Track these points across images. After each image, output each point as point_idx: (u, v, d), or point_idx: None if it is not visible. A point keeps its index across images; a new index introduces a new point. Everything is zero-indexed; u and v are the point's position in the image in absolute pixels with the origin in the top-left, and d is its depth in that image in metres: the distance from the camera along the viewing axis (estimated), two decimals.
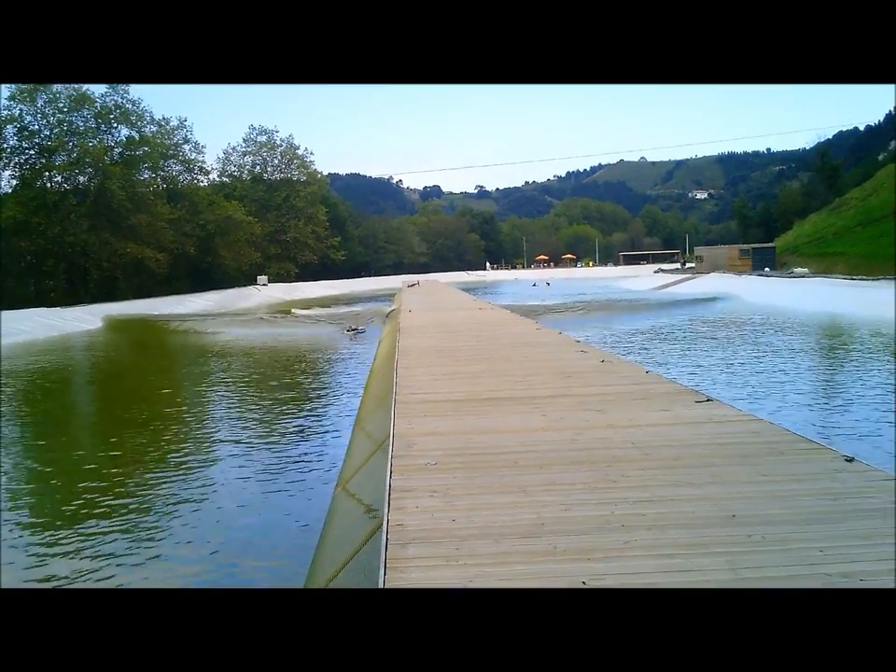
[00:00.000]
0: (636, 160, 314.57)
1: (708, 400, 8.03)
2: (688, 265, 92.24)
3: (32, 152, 65.24)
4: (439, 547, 4.17)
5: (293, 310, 48.04)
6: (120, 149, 70.40)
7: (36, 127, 65.06)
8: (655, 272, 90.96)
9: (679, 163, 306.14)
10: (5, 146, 63.87)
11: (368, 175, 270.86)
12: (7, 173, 65.34)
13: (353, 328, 31.36)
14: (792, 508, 4.62)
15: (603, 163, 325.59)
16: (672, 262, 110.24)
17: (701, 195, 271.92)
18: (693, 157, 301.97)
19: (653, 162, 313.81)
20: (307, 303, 56.91)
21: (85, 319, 48.02)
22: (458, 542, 4.23)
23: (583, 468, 5.65)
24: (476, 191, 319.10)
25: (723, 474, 5.39)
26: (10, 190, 65.47)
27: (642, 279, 78.94)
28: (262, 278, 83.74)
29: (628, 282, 76.79)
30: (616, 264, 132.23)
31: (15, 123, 63.65)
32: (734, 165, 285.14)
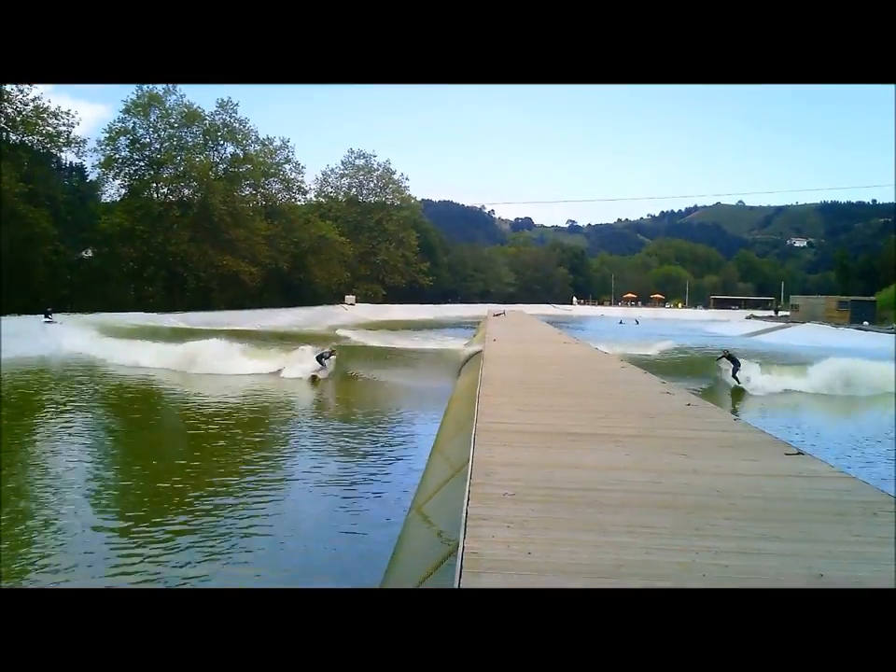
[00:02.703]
0: (733, 203, 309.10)
1: (799, 454, 7.75)
2: (782, 313, 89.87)
3: (142, 164, 68.28)
4: (513, 580, 4.10)
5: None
6: (225, 166, 73.00)
7: (148, 140, 68.03)
8: (747, 317, 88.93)
9: (778, 209, 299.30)
10: (117, 156, 67.00)
11: (460, 203, 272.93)
12: (117, 182, 68.59)
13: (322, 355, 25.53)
14: (884, 572, 4.40)
15: (699, 205, 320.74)
16: (765, 309, 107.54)
17: (800, 243, 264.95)
18: (794, 203, 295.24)
19: (751, 207, 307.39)
20: (393, 325, 57.36)
21: (179, 326, 49.54)
22: (534, 576, 4.15)
23: (666, 512, 5.50)
24: (567, 225, 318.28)
25: (812, 531, 5.16)
26: (119, 199, 68.30)
27: (733, 324, 77.17)
28: (350, 298, 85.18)
29: (718, 326, 75.10)
30: (706, 307, 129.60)
31: (128, 135, 66.73)
32: (835, 215, 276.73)
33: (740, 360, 24.08)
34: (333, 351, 26.01)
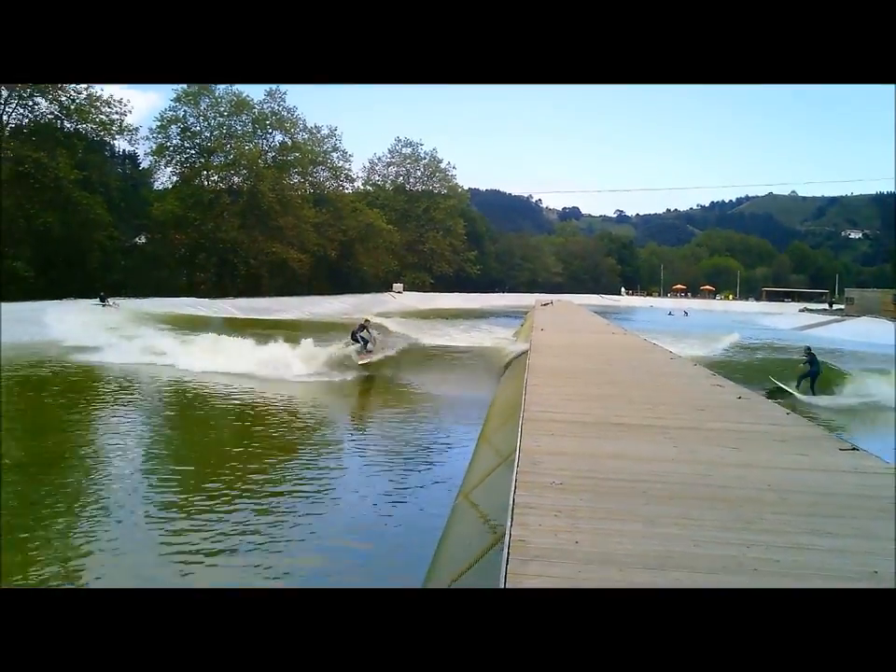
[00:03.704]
0: (786, 193, 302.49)
1: (854, 449, 7.60)
2: (836, 306, 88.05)
3: (192, 152, 69.31)
4: (560, 567, 4.11)
5: None
6: (274, 154, 73.75)
7: (198, 128, 69.06)
8: (800, 310, 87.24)
9: (832, 200, 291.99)
10: (168, 144, 68.09)
11: (507, 193, 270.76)
12: (169, 169, 69.73)
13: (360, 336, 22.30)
14: None
15: (751, 195, 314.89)
16: (819, 302, 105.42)
17: (855, 235, 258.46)
18: (848, 194, 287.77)
19: (804, 197, 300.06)
20: (441, 314, 57.43)
21: (227, 311, 50.28)
22: (581, 565, 4.16)
23: (716, 504, 5.45)
24: (615, 215, 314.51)
25: (866, 528, 5.07)
26: (171, 186, 69.40)
27: (785, 317, 75.78)
28: (398, 286, 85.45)
29: (770, 319, 73.82)
30: (758, 299, 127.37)
31: (179, 124, 67.81)
32: (891, 206, 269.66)
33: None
34: (367, 321, 22.98)
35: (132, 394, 18.23)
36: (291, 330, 32.35)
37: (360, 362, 21.19)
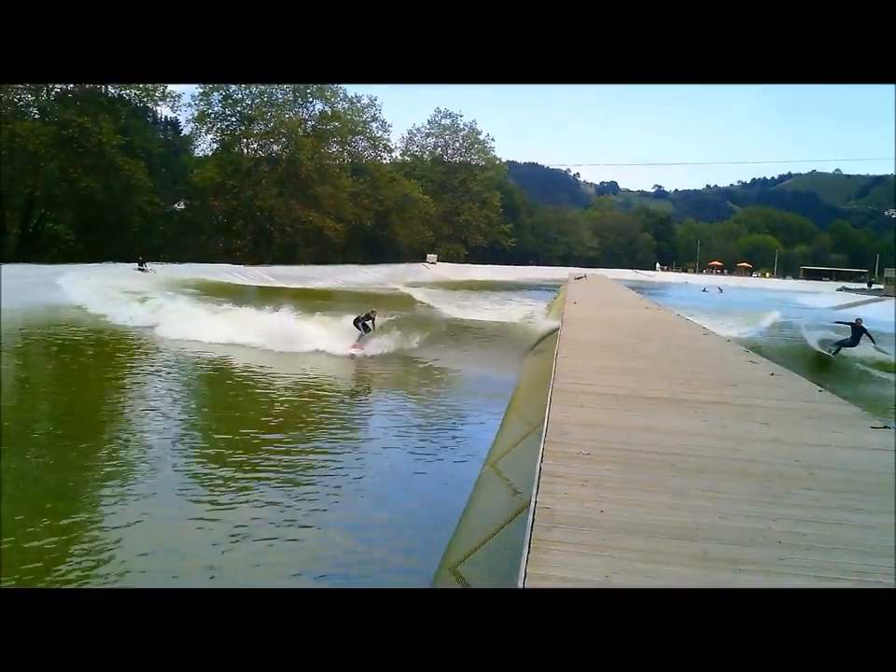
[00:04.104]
0: (830, 171, 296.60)
1: (885, 427, 7.51)
2: (875, 286, 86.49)
3: (233, 119, 69.52)
4: (585, 535, 4.13)
5: None
6: (313, 122, 73.75)
7: (239, 96, 69.13)
8: (838, 289, 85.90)
9: (877, 179, 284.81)
10: (210, 111, 68.35)
11: (545, 166, 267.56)
12: (209, 136, 70.05)
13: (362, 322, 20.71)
14: None
15: (793, 172, 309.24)
16: (858, 282, 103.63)
17: None
18: (894, 173, 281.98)
19: (849, 176, 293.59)
20: (474, 286, 57.32)
21: (262, 278, 50.56)
22: (606, 534, 4.17)
23: (745, 479, 5.42)
24: (654, 190, 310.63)
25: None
26: (211, 153, 69.79)
27: (822, 296, 74.66)
28: (432, 256, 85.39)
29: (805, 298, 72.71)
30: (795, 278, 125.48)
31: (221, 91, 67.87)
32: None
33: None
34: (374, 312, 21.16)
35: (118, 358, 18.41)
36: (320, 300, 32.12)
37: (349, 351, 19.81)
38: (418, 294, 39.33)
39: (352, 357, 19.39)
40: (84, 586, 6.10)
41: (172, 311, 24.35)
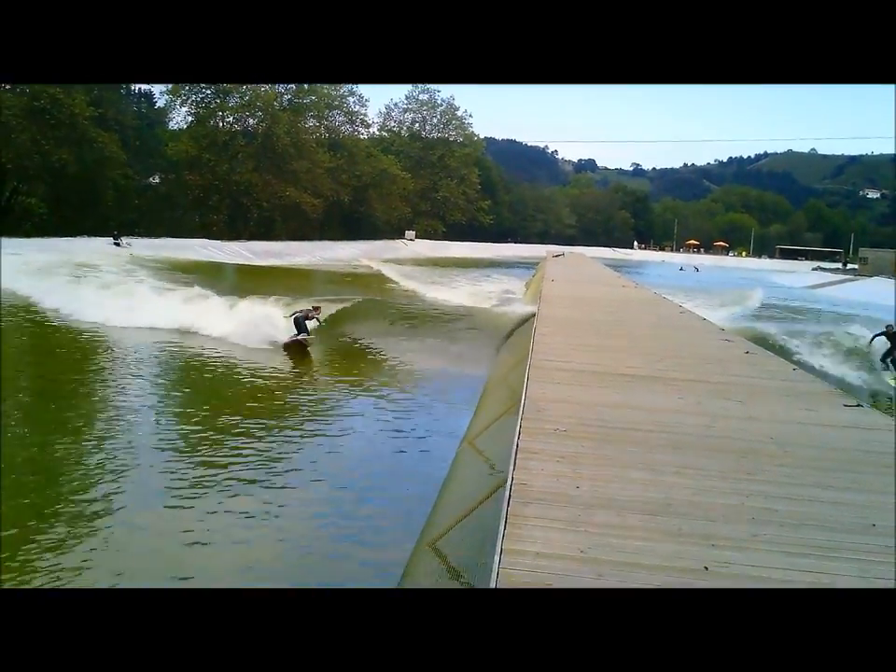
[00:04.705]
0: (805, 150, 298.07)
1: (858, 405, 7.62)
2: (850, 266, 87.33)
3: (208, 92, 68.54)
4: (560, 510, 4.17)
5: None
6: (289, 96, 72.97)
7: None
8: (813, 269, 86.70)
9: (852, 159, 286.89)
10: (184, 84, 67.16)
11: (523, 143, 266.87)
12: (184, 109, 69.04)
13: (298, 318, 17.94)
14: None
15: (769, 151, 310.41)
16: (833, 262, 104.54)
17: (873, 194, 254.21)
18: (869, 153, 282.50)
19: (824, 155, 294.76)
20: (451, 262, 57.17)
21: (240, 254, 50.12)
22: (581, 510, 4.21)
23: (718, 455, 5.49)
24: (632, 169, 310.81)
25: (867, 482, 5.11)
26: (186, 126, 68.89)
27: (798, 275, 75.30)
28: (410, 233, 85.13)
29: (781, 277, 73.31)
30: (771, 257, 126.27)
31: None
32: None
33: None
34: (316, 309, 18.54)
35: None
36: (282, 279, 30.97)
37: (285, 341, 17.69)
38: (391, 272, 38.36)
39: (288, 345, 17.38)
40: (84, 586, 6.07)
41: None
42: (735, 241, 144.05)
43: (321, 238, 68.03)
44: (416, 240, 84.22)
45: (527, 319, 16.32)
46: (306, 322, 17.78)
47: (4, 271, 24.82)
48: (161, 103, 71.25)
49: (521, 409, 6.50)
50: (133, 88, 67.84)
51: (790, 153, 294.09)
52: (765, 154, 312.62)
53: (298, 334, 17.55)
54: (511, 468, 4.89)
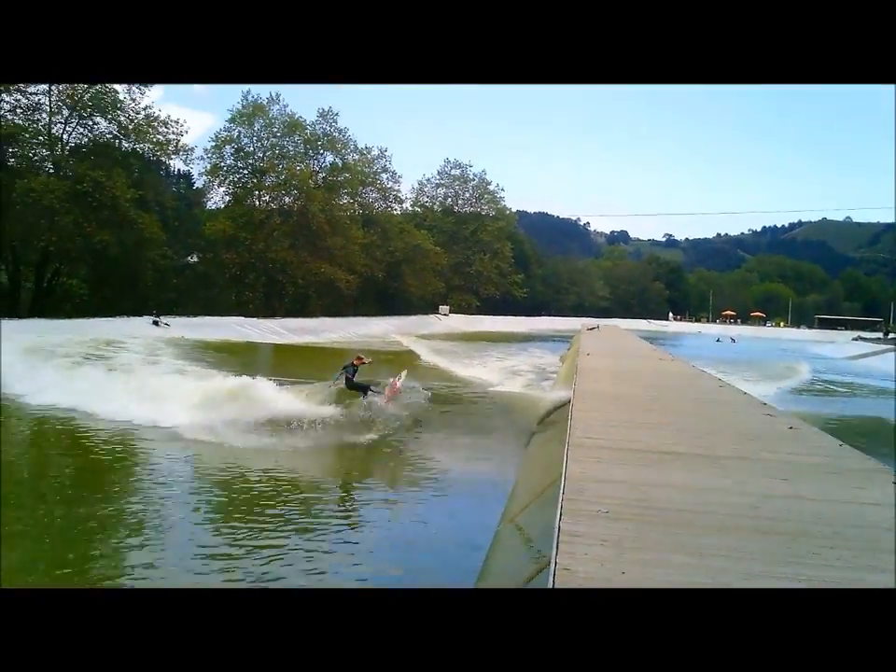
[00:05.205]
0: (840, 219, 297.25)
1: None
2: (892, 335, 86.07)
3: (245, 172, 70.47)
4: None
5: None
6: (324, 174, 74.70)
7: (252, 149, 70.21)
8: (854, 339, 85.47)
9: (887, 226, 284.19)
10: (222, 164, 69.34)
11: (555, 216, 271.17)
12: (221, 189, 70.99)
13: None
14: None
15: (804, 220, 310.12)
16: (874, 331, 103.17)
17: None
18: None
19: (860, 223, 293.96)
20: (486, 337, 57.29)
21: (276, 332, 50.60)
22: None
23: (766, 538, 5.32)
24: (664, 239, 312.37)
25: None
26: (223, 206, 70.66)
27: (837, 346, 74.32)
28: (444, 308, 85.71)
29: (821, 347, 72.42)
30: (810, 327, 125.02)
31: (233, 144, 69.03)
32: None
33: None
34: (359, 359, 17.18)
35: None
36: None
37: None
38: (422, 350, 37.80)
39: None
40: (84, 586, 5.97)
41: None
42: (772, 311, 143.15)
43: (355, 314, 68.72)
44: (450, 314, 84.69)
45: (563, 405, 14.51)
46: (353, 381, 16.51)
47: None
48: (199, 183, 73.37)
49: (562, 488, 6.38)
50: (172, 168, 69.91)
51: (824, 221, 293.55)
52: (799, 223, 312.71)
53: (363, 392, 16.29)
54: (554, 552, 4.77)
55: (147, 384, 18.11)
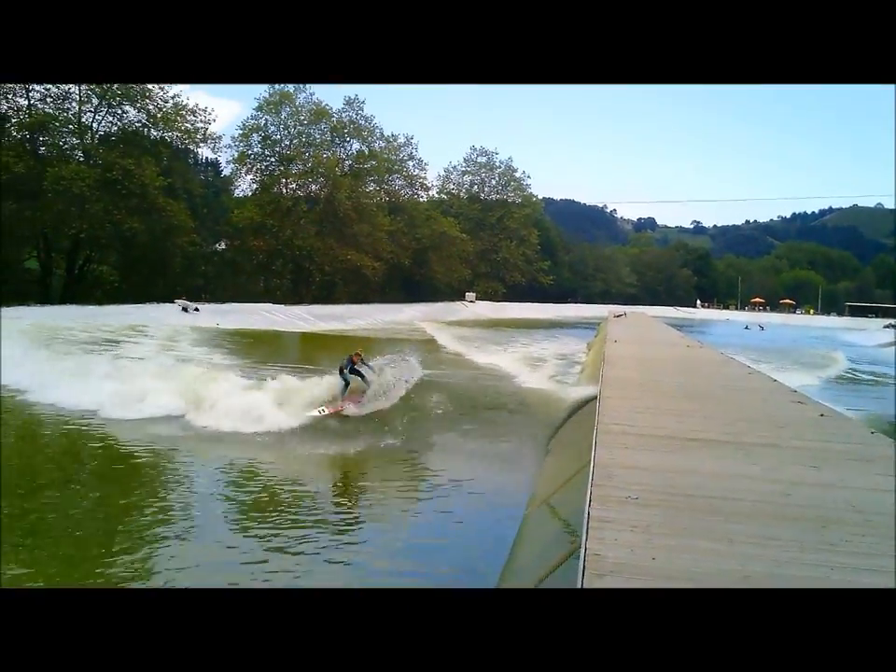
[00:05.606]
0: (871, 205, 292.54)
1: None
2: None
3: (272, 160, 70.70)
4: (637, 584, 4.06)
5: None
6: (351, 162, 74.72)
7: (278, 137, 70.41)
8: (885, 326, 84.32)
9: None
10: (249, 152, 69.66)
11: (582, 203, 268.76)
12: (249, 177, 71.26)
13: None
14: None
15: (834, 207, 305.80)
16: None
17: None
18: None
19: (891, 209, 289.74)
20: (513, 324, 57.20)
21: (304, 318, 50.81)
22: (658, 582, 4.10)
23: (796, 524, 5.31)
24: (692, 226, 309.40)
25: None
26: (251, 193, 70.96)
27: (868, 333, 73.43)
28: (471, 295, 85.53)
29: (851, 335, 71.58)
30: (840, 314, 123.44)
31: (260, 132, 69.29)
32: None
33: None
34: (357, 355, 16.64)
35: None
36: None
37: (336, 410, 15.57)
38: (444, 338, 37.74)
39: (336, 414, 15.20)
40: (84, 586, 6.00)
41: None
42: (802, 298, 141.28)
43: (382, 301, 68.82)
44: (477, 301, 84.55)
45: (589, 401, 13.78)
46: (355, 368, 16.20)
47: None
48: (226, 171, 73.76)
49: (591, 474, 6.40)
50: (200, 156, 70.35)
51: (855, 208, 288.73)
52: (830, 209, 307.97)
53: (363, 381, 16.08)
54: (584, 537, 4.80)
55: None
